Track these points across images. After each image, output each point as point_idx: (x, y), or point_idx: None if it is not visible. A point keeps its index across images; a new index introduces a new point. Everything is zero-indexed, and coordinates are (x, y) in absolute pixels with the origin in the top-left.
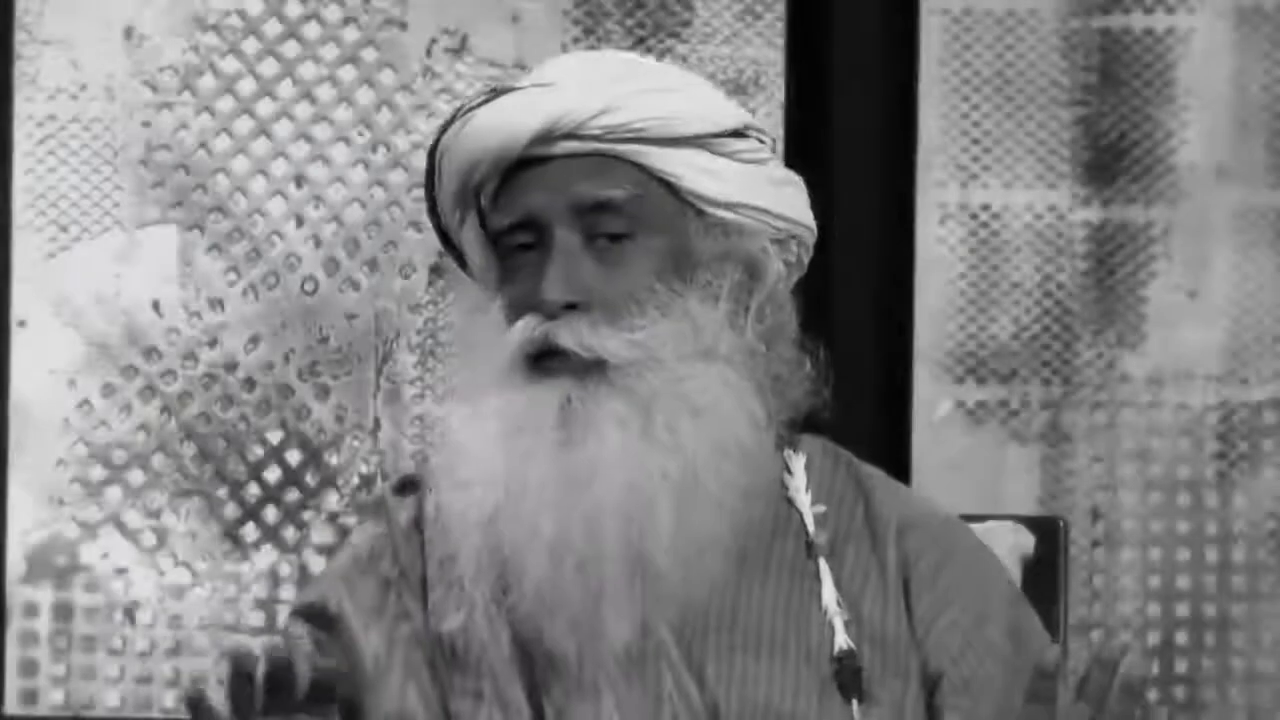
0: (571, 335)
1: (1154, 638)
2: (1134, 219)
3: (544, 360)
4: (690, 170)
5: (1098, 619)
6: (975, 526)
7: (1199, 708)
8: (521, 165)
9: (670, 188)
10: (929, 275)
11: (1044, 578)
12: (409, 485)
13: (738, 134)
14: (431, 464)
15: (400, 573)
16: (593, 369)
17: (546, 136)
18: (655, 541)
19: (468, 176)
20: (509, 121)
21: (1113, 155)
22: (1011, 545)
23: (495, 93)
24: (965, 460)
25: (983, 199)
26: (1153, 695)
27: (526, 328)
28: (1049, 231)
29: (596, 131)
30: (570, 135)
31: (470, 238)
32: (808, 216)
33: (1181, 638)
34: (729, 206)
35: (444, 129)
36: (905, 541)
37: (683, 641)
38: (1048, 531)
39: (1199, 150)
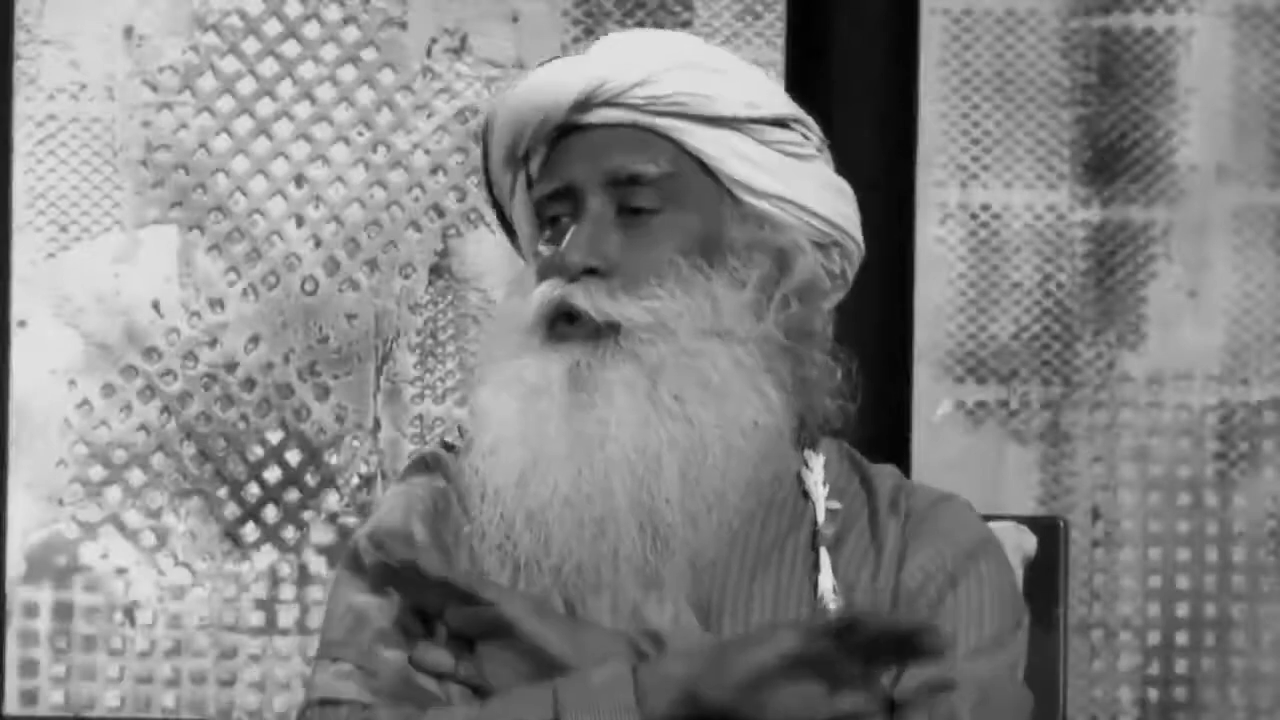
0: (587, 298)
1: (1154, 638)
2: (1134, 219)
3: (559, 325)
4: (729, 154)
5: (1098, 619)
6: None
7: (1199, 708)
8: (565, 134)
9: (708, 170)
10: (929, 275)
11: (1044, 578)
12: (449, 449)
13: (781, 124)
14: (468, 431)
15: (455, 537)
16: (605, 335)
17: (586, 103)
18: (662, 501)
19: (514, 143)
20: (551, 85)
21: (1113, 155)
22: (1012, 545)
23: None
24: (965, 460)
25: (983, 199)
26: (1153, 695)
27: (548, 290)
28: (1049, 231)
29: (637, 101)
30: (610, 104)
31: (519, 210)
32: (852, 226)
33: (1181, 638)
34: (765, 196)
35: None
36: (904, 526)
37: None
38: (1048, 531)
39: (1199, 150)
